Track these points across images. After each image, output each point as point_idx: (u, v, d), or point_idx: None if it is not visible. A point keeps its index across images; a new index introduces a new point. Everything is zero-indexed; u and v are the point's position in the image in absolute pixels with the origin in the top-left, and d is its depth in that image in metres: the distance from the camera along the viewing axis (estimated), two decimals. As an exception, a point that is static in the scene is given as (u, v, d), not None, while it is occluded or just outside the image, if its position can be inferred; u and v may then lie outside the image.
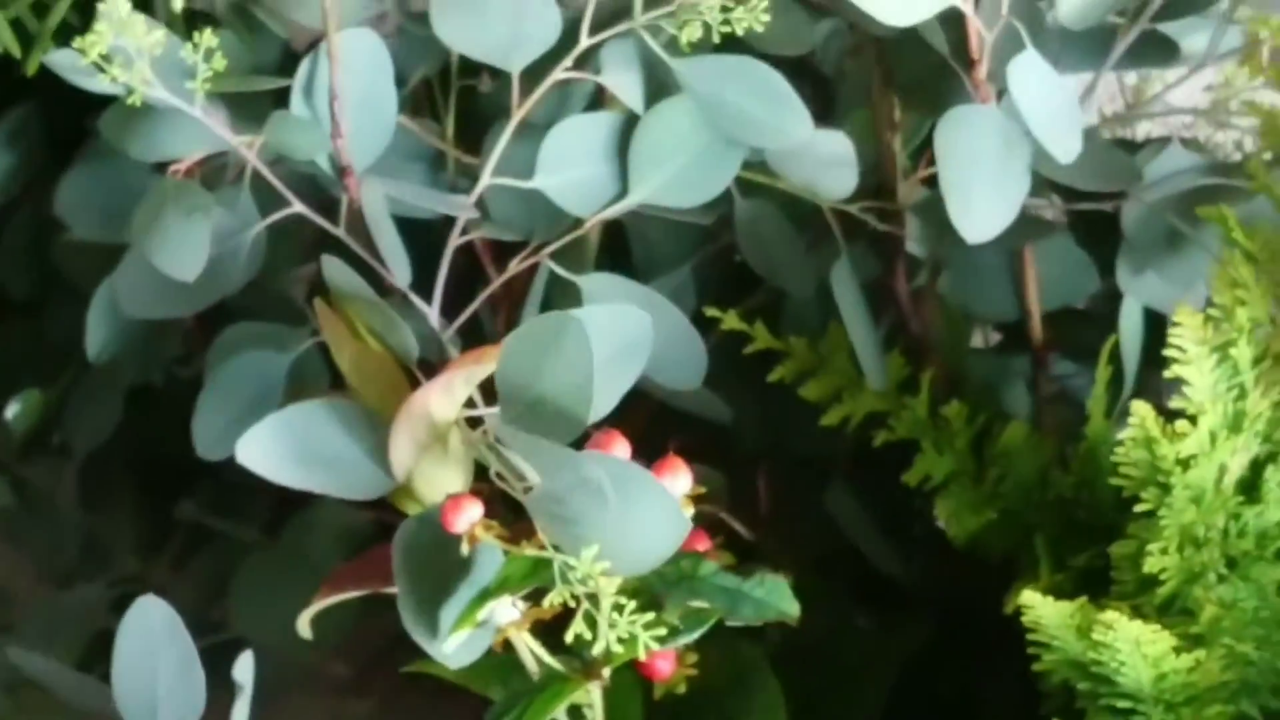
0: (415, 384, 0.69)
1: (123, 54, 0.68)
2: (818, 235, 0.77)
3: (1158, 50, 0.77)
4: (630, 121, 0.72)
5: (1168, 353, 0.64)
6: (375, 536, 0.81)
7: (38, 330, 0.88)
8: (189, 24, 0.76)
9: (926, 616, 0.79)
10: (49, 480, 0.89)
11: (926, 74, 0.74)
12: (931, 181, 0.78)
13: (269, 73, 0.80)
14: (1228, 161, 0.77)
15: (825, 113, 0.82)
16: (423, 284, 0.73)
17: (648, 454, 0.73)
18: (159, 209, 0.69)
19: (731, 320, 0.75)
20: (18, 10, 0.76)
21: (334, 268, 0.69)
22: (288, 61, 0.81)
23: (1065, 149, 0.66)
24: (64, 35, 0.77)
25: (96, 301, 0.78)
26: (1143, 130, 0.89)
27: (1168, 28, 0.76)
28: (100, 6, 0.67)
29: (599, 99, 0.75)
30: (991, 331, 0.87)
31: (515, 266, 0.73)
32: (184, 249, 0.68)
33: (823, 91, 0.83)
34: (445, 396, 0.65)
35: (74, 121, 0.82)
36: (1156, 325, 0.75)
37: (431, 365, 0.71)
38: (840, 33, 0.82)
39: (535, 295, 0.74)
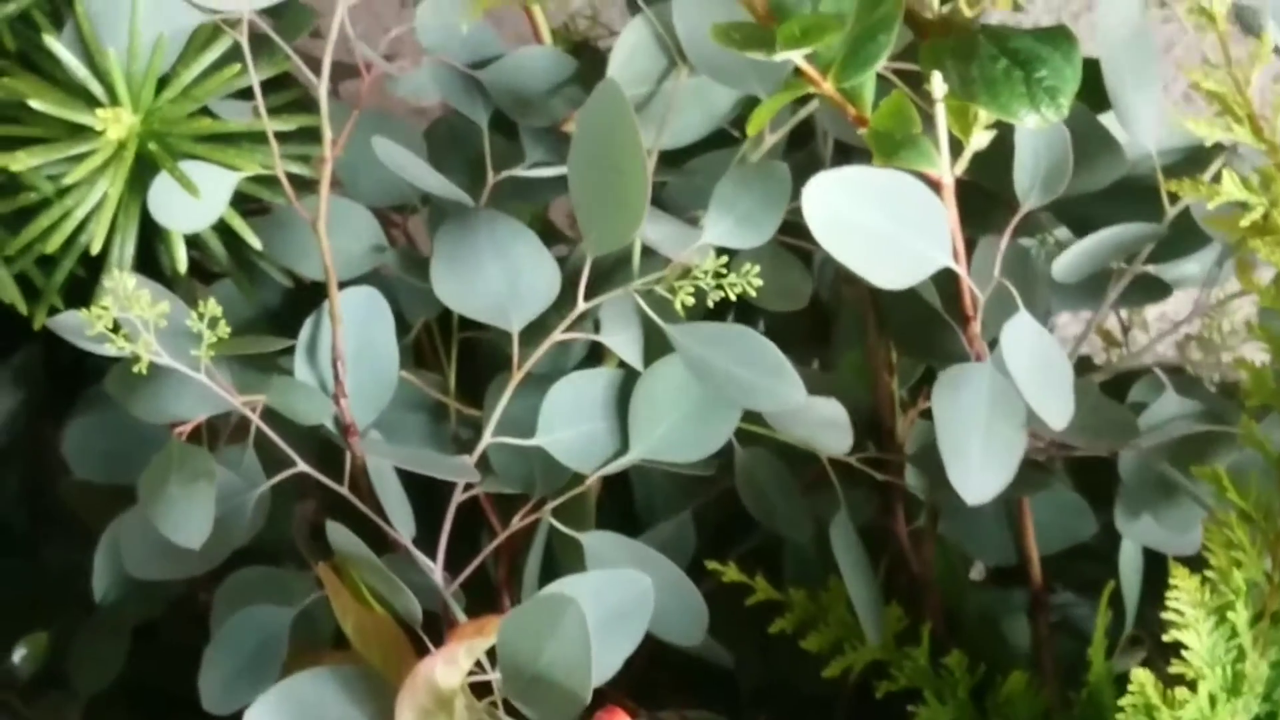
0: (419, 644, 0.69)
1: (128, 323, 0.69)
2: (816, 479, 0.77)
3: (1151, 290, 0.78)
4: (629, 378, 0.73)
5: (1165, 616, 0.65)
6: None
7: (36, 568, 0.88)
8: (192, 273, 0.78)
9: None
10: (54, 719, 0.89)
11: (921, 324, 0.75)
12: (928, 414, 0.79)
13: (270, 317, 0.82)
14: (1218, 401, 0.77)
15: (821, 338, 0.84)
16: (425, 536, 0.73)
17: (646, 693, 0.73)
18: (164, 475, 0.70)
19: (732, 573, 0.76)
20: (24, 265, 0.77)
21: (339, 534, 0.70)
22: (288, 305, 0.82)
23: (1058, 415, 0.67)
24: (71, 287, 0.78)
25: (103, 545, 0.79)
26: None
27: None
28: (106, 281, 0.69)
29: (597, 348, 0.76)
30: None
31: (518, 522, 0.74)
32: (189, 517, 0.69)
33: (819, 315, 0.83)
34: (449, 667, 0.65)
35: (76, 360, 0.83)
36: (1156, 558, 0.76)
37: (436, 618, 0.72)
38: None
39: (536, 551, 0.74)
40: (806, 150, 0.79)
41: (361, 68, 0.73)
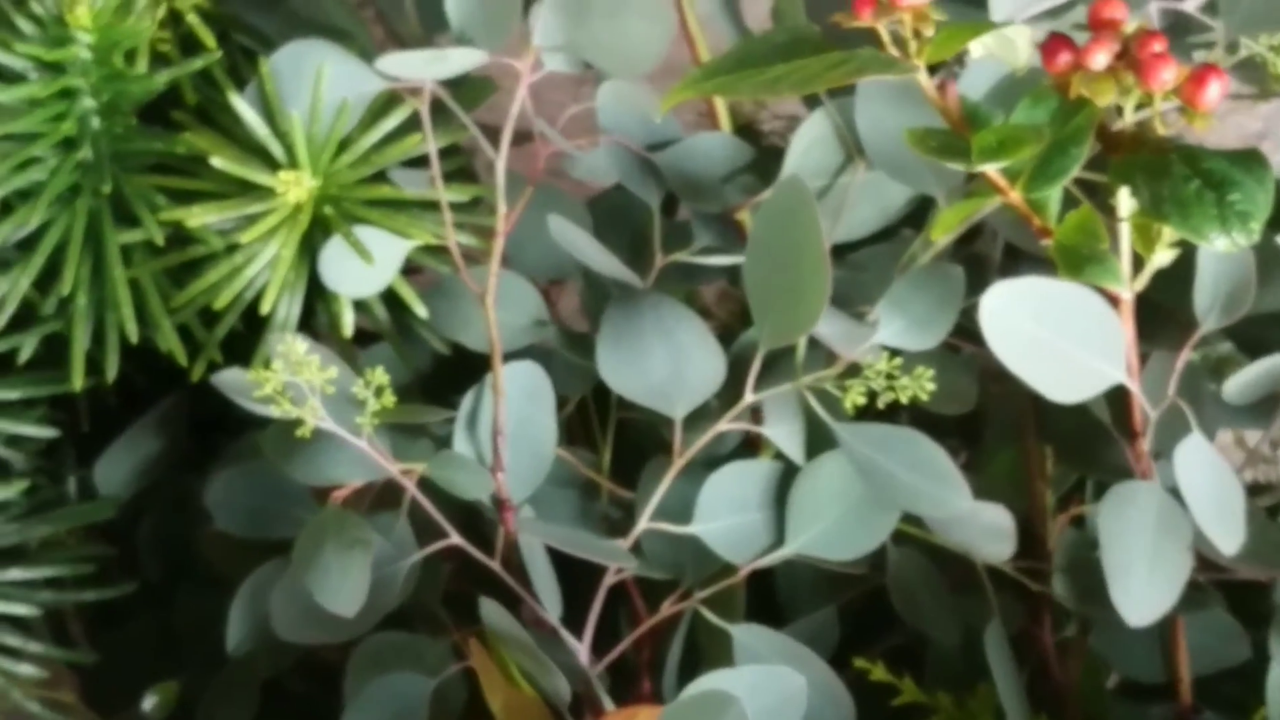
0: (564, 726, 0.69)
1: (294, 387, 0.69)
2: (965, 581, 0.77)
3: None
4: (788, 471, 0.73)
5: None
6: None
7: (166, 618, 0.88)
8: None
9: None
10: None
11: (1084, 436, 0.74)
12: (1078, 521, 0.79)
13: (421, 380, 0.82)
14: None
15: (972, 436, 0.83)
16: (572, 616, 0.73)
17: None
18: (320, 540, 0.70)
19: (879, 673, 0.75)
20: (185, 317, 0.78)
21: (492, 611, 0.70)
22: (440, 370, 0.82)
23: (1230, 541, 0.66)
24: (227, 340, 0.79)
25: (240, 597, 0.79)
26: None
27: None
28: (276, 345, 0.69)
29: (751, 435, 0.75)
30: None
31: (667, 609, 0.73)
32: (345, 584, 0.69)
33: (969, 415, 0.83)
34: (600, 755, 0.65)
35: (221, 410, 0.83)
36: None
37: (577, 699, 0.72)
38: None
39: (680, 638, 0.74)
40: (974, 247, 0.79)
41: (539, 144, 0.73)
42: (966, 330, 0.73)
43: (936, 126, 0.64)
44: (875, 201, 0.75)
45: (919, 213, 0.77)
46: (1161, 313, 0.72)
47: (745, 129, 0.85)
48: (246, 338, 0.79)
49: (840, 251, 0.77)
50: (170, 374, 0.80)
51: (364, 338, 0.81)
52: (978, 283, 0.75)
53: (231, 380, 0.73)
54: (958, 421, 0.82)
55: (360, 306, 0.78)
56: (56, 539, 0.83)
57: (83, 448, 0.86)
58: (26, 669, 0.81)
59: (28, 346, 0.78)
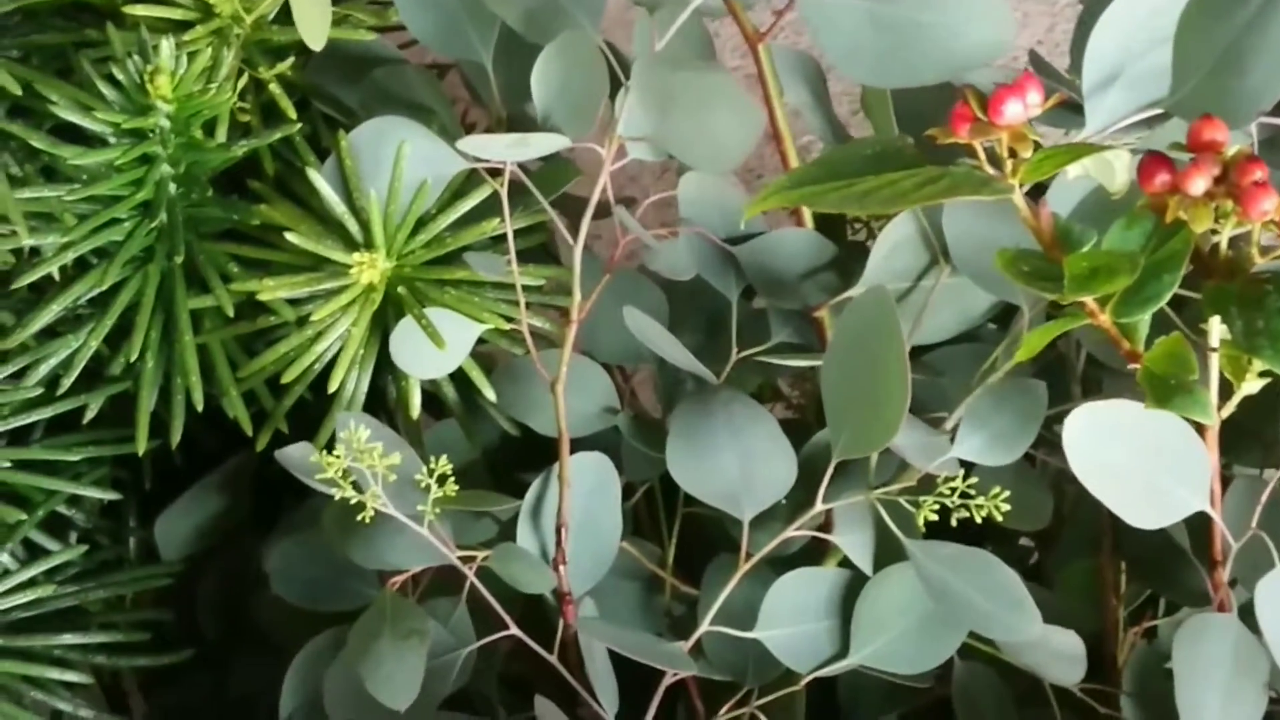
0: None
1: (357, 471, 0.68)
2: (1032, 697, 0.75)
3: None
4: (854, 581, 0.71)
5: None
6: None
7: (218, 683, 0.88)
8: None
9: None
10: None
11: (1162, 558, 0.72)
12: (1148, 633, 0.77)
13: (487, 458, 0.81)
14: None
15: (1048, 540, 0.81)
16: (630, 713, 0.72)
17: None
18: (377, 628, 0.69)
19: (943, 790, 0.73)
20: (254, 384, 0.77)
21: (546, 710, 0.68)
22: (510, 447, 0.81)
23: (1309, 684, 0.64)
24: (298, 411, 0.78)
25: (295, 667, 0.78)
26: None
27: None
28: (341, 434, 0.68)
29: (818, 542, 0.74)
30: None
31: (725, 714, 0.72)
32: (399, 676, 0.68)
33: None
34: None
35: (285, 474, 0.82)
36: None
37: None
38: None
39: (739, 745, 0.73)
40: (1055, 353, 0.77)
41: (618, 231, 0.72)
42: (1043, 438, 0.71)
43: (1028, 249, 0.62)
44: (957, 306, 0.74)
45: (1003, 311, 0.75)
46: (1246, 433, 0.70)
47: (828, 219, 0.83)
48: (314, 406, 0.78)
49: (918, 353, 0.75)
50: (237, 436, 0.79)
51: (433, 410, 0.80)
52: (1058, 390, 0.74)
53: (296, 456, 0.72)
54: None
55: (429, 381, 0.77)
56: (114, 600, 0.82)
57: (145, 506, 0.85)
58: (75, 734, 0.80)
59: (94, 405, 0.78)
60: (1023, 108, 0.60)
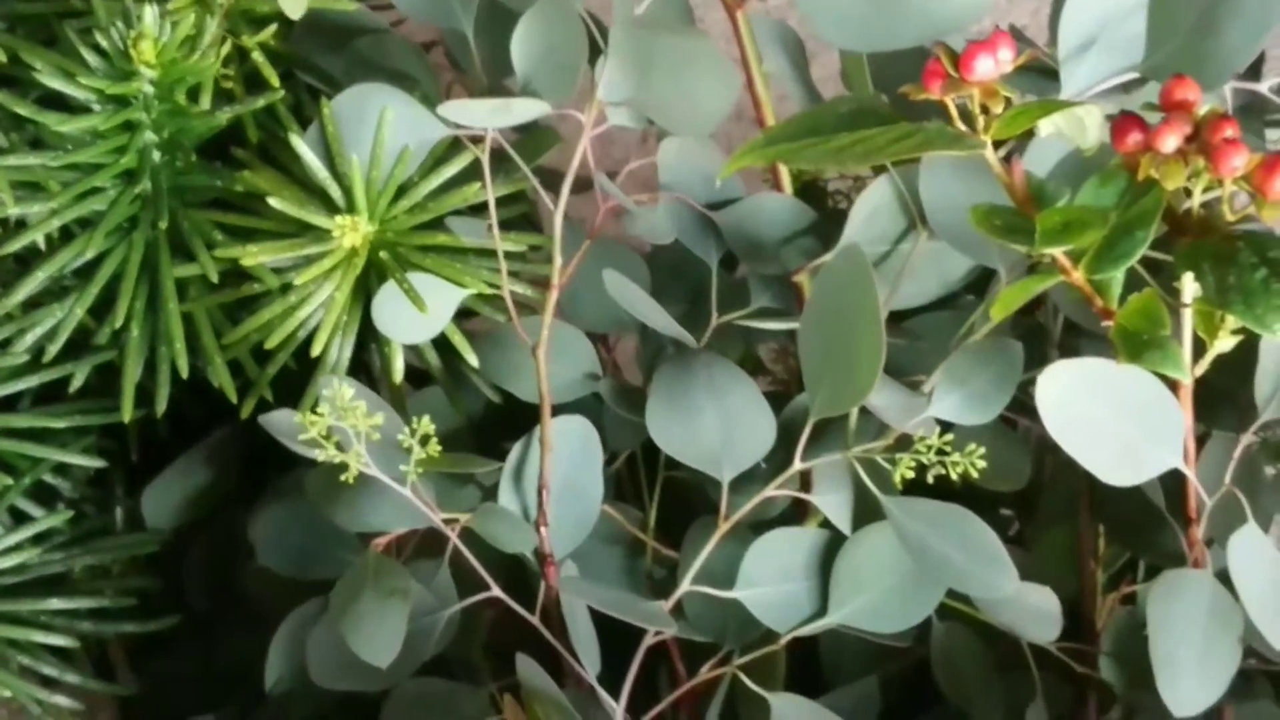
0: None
1: (340, 431, 0.69)
2: (1011, 659, 0.75)
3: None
4: (834, 541, 0.72)
5: None
6: None
7: (206, 652, 0.88)
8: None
9: None
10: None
11: (1138, 518, 0.73)
12: (1128, 599, 0.77)
13: (472, 426, 0.81)
14: None
15: (1027, 507, 0.82)
16: (611, 673, 0.72)
17: None
18: (358, 588, 0.70)
19: (924, 756, 0.74)
20: (237, 353, 0.77)
21: (528, 668, 0.69)
22: (492, 417, 0.82)
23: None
24: (278, 378, 0.78)
25: (280, 636, 0.78)
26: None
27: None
28: (323, 389, 0.68)
29: (799, 501, 0.75)
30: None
31: (705, 673, 0.72)
32: (380, 634, 0.68)
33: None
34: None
35: (270, 445, 0.82)
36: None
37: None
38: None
39: (717, 704, 0.73)
40: (1033, 319, 0.78)
41: (599, 199, 0.73)
42: (1023, 404, 0.72)
43: (1001, 204, 0.63)
44: (935, 270, 0.74)
45: (980, 279, 0.76)
46: (1220, 395, 0.71)
47: (808, 187, 0.84)
48: (299, 375, 0.78)
49: (897, 318, 0.76)
50: (223, 406, 0.80)
51: (418, 379, 0.81)
52: (1036, 356, 0.74)
53: (280, 421, 0.73)
54: (1013, 492, 0.81)
55: (413, 349, 0.77)
56: (101, 568, 0.83)
57: (132, 477, 0.85)
58: (62, 700, 0.80)
59: (80, 375, 0.79)
60: (994, 64, 0.61)
